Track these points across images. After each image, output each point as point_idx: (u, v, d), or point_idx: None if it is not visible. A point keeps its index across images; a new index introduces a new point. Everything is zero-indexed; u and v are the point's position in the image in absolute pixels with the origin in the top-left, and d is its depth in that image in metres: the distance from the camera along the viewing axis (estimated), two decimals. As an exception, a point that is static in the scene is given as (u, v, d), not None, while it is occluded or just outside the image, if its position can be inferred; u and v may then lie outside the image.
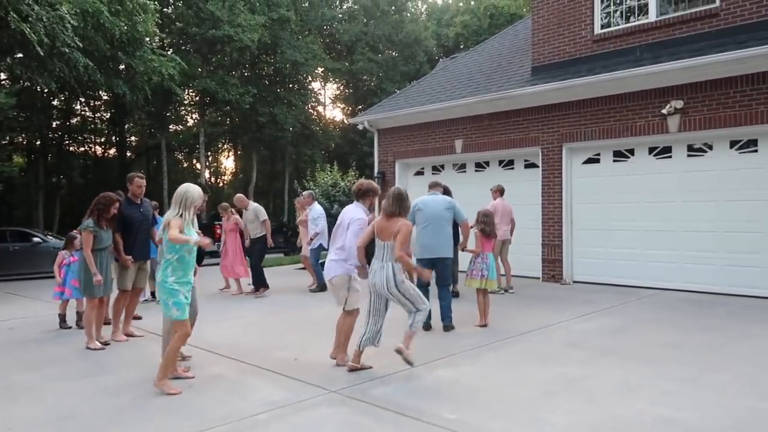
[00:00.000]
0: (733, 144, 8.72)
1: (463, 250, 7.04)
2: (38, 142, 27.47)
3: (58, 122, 28.68)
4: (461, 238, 7.05)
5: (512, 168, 11.48)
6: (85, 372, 5.19)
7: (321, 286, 9.60)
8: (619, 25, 10.04)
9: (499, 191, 9.34)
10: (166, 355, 4.66)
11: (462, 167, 12.33)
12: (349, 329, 5.26)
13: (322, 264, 10.29)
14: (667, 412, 3.97)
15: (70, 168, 30.22)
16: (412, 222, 6.77)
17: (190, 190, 4.69)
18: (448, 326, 6.60)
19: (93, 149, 33.59)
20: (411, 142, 12.99)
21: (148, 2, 17.05)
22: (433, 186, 7.45)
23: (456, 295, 8.55)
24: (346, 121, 33.60)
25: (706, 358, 5.30)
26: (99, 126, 32.35)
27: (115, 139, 32.44)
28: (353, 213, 5.27)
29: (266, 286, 9.66)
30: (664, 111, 9.02)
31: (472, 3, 41.69)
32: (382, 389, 4.54)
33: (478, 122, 11.60)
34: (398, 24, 37.20)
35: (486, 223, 6.94)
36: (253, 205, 9.90)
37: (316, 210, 10.02)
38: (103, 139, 33.57)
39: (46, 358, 5.72)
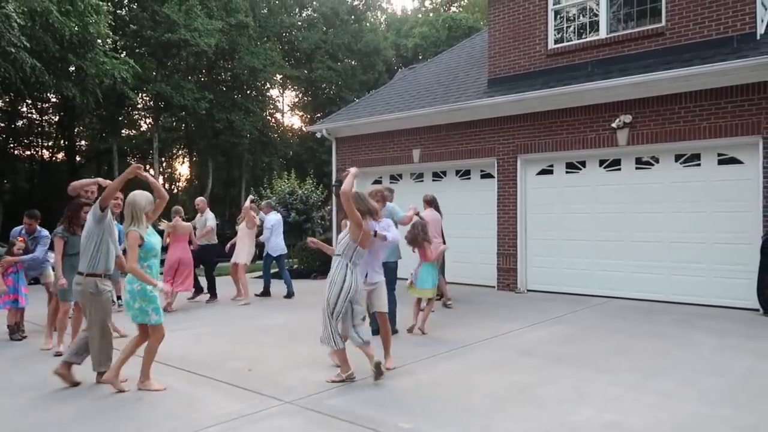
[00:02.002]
0: (678, 158, 9.08)
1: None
2: (-20, 145, 26.32)
3: (2, 125, 27.49)
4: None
5: (469, 178, 11.64)
6: (28, 386, 4.96)
7: (267, 292, 10.12)
8: (572, 40, 10.35)
9: (428, 201, 8.79)
10: (147, 357, 4.82)
11: (420, 177, 12.43)
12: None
13: (275, 274, 10.41)
14: (614, 417, 4.08)
15: (14, 172, 28.98)
16: None
17: (137, 198, 4.76)
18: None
19: (40, 153, 32.27)
20: (369, 151, 13.02)
21: (100, 3, 16.58)
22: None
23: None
24: (304, 129, 33.45)
25: (652, 364, 5.48)
26: (47, 129, 31.17)
27: (64, 143, 31.29)
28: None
29: (215, 297, 9.68)
30: (613, 125, 9.33)
31: (431, 15, 42.28)
32: (338, 399, 4.51)
33: (436, 132, 11.72)
34: (357, 33, 37.31)
35: (412, 233, 6.87)
36: (209, 214, 9.91)
37: (269, 219, 10.13)
38: (51, 143, 32.31)
39: (-16, 372, 5.45)
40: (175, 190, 40.12)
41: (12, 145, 29.32)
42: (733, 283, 8.43)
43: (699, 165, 8.88)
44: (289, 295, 9.90)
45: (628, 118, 9.18)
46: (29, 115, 29.53)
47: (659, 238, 9.16)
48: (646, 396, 4.53)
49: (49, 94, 23.04)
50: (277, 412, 4.24)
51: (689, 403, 4.38)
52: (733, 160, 8.57)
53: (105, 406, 4.39)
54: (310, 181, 16.29)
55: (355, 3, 39.87)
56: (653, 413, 4.16)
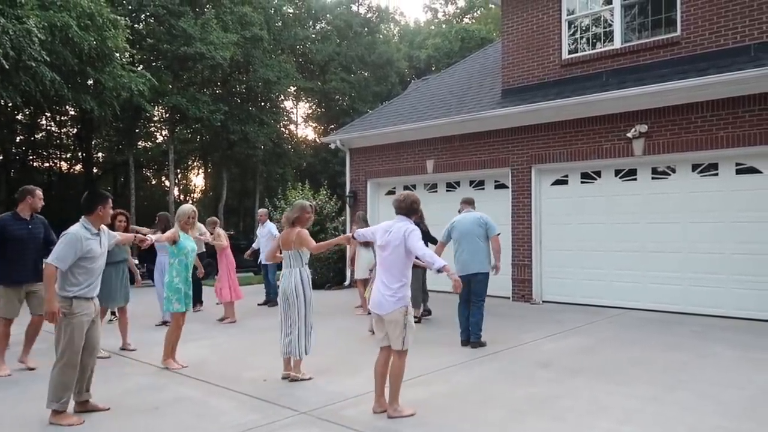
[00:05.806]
0: (695, 167, 8.99)
1: (495, 270, 7.05)
2: (0, 157, 26.76)
3: (21, 137, 27.96)
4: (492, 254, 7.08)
5: (483, 188, 11.61)
6: (41, 395, 4.99)
7: (272, 302, 10.14)
8: (585, 50, 10.34)
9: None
10: None
11: (433, 187, 12.42)
12: (401, 373, 4.36)
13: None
14: (634, 430, 4.02)
15: (33, 184, 29.38)
16: (447, 239, 7.04)
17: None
18: (475, 343, 6.65)
19: (58, 165, 32.76)
20: (383, 162, 13.05)
21: (118, 18, 16.85)
22: (465, 203, 7.43)
23: (428, 312, 8.66)
24: (318, 140, 33.61)
25: (671, 376, 5.40)
26: (65, 141, 31.65)
27: (82, 155, 31.70)
28: (403, 225, 4.42)
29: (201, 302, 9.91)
30: (629, 134, 9.27)
31: (444, 26, 42.45)
32: (353, 410, 4.49)
33: (450, 143, 11.73)
34: (371, 45, 37.54)
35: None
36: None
37: (266, 228, 10.45)
38: (68, 155, 32.78)
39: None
40: (190, 201, 40.47)
41: (31, 158, 29.82)
42: (754, 294, 8.29)
43: (716, 174, 8.78)
44: (267, 302, 10.41)
45: (644, 128, 9.12)
46: (48, 127, 30.02)
47: (677, 249, 9.05)
48: (666, 409, 4.46)
49: (67, 107, 23.38)
50: (293, 423, 4.23)
51: (710, 416, 4.30)
52: (752, 170, 8.46)
53: (120, 415, 4.41)
54: (324, 192, 16.34)
55: (369, 15, 40.16)
56: (673, 426, 4.09)
